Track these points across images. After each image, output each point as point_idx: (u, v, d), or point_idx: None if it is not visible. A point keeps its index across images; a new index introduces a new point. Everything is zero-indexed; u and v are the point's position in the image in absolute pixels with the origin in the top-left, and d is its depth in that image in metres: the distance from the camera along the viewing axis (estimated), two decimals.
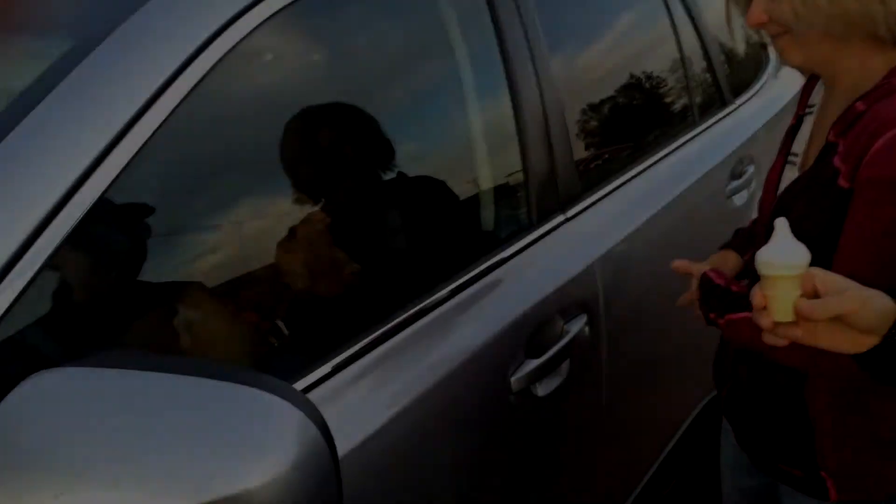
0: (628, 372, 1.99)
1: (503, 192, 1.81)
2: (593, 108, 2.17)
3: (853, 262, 1.14)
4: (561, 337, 1.67)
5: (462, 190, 1.80)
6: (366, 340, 1.37)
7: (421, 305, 1.47)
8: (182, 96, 1.18)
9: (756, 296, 0.99)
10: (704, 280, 1.45)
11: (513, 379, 1.54)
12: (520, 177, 1.78)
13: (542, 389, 1.62)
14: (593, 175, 2.02)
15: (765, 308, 0.98)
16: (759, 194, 2.73)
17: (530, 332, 1.61)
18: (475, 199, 1.80)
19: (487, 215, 1.80)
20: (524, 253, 1.71)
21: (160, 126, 1.15)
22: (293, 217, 1.53)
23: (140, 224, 1.30)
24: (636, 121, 2.36)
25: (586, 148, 2.06)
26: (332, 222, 1.55)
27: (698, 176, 2.32)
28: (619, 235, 1.94)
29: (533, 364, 1.57)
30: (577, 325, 1.71)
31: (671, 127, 2.45)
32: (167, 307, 1.50)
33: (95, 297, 1.20)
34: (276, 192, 1.64)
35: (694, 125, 2.50)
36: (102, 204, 1.09)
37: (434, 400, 1.39)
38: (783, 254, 0.96)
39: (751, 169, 2.60)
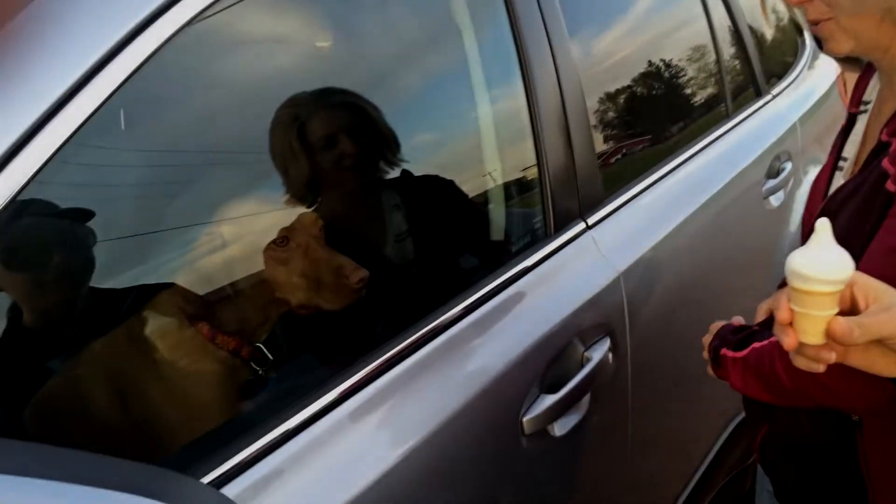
0: (653, 401, 1.75)
1: (516, 196, 1.58)
2: (616, 99, 1.92)
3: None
4: (581, 366, 1.44)
5: (470, 193, 1.56)
6: (359, 375, 1.14)
7: (419, 332, 1.24)
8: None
9: (782, 309, 0.80)
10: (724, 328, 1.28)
11: (525, 419, 1.30)
12: (535, 178, 1.54)
13: (558, 429, 1.38)
14: (616, 176, 1.78)
15: (790, 325, 0.80)
16: (797, 194, 2.51)
17: (546, 363, 1.37)
18: (484, 204, 1.56)
19: (498, 222, 1.56)
20: (540, 267, 1.47)
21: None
22: (279, 223, 1.31)
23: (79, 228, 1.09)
24: (663, 114, 2.11)
25: (608, 145, 1.82)
26: (321, 230, 1.32)
27: (732, 175, 2.06)
28: (646, 245, 1.69)
29: (549, 401, 1.34)
30: (600, 352, 1.47)
31: (702, 120, 2.20)
32: (124, 326, 1.29)
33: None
34: (259, 193, 1.42)
35: (726, 118, 2.25)
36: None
37: (434, 448, 1.17)
38: (821, 264, 0.77)
39: (788, 166, 2.34)
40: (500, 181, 1.56)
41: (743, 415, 2.24)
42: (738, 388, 1.21)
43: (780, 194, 2.30)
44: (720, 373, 1.27)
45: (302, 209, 1.38)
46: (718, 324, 1.31)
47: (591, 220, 1.62)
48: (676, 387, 1.87)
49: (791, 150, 2.40)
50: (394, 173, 1.51)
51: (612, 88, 1.90)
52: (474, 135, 1.56)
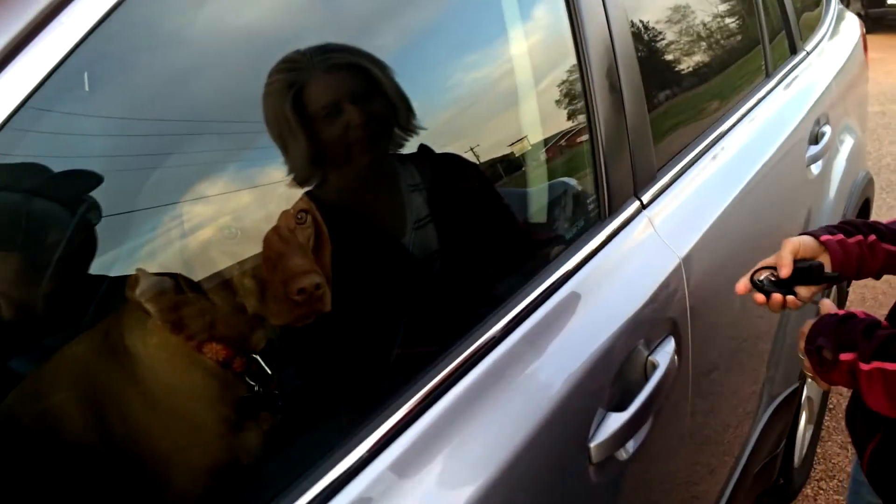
0: (710, 401, 1.53)
1: (564, 173, 1.33)
2: (659, 59, 1.67)
3: None
4: (647, 375, 1.20)
5: (508, 171, 1.31)
6: (395, 416, 0.89)
7: (465, 353, 0.99)
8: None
9: None
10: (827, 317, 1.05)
11: (593, 445, 1.07)
12: (586, 149, 1.29)
13: (625, 451, 1.15)
14: (665, 147, 1.53)
15: None
16: (835, 163, 2.29)
17: (613, 376, 1.14)
18: (525, 184, 1.31)
19: (542, 205, 1.31)
20: (596, 257, 1.22)
21: None
22: (275, 210, 1.05)
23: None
24: (705, 75, 1.86)
25: (655, 111, 1.57)
26: (328, 218, 1.06)
27: (779, 142, 1.83)
28: (703, 224, 1.46)
29: (618, 421, 1.10)
30: (665, 355, 1.23)
31: (742, 80, 1.96)
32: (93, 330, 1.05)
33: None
34: (251, 173, 1.16)
35: (766, 77, 2.01)
36: None
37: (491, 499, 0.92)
38: None
39: (827, 131, 2.12)
40: (543, 155, 1.31)
41: (778, 402, 2.06)
42: (872, 405, 0.99)
43: (821, 163, 2.08)
44: (830, 377, 1.06)
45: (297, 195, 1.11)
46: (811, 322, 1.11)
47: (645, 198, 1.37)
48: (730, 380, 1.65)
49: (829, 113, 2.17)
50: (412, 147, 1.25)
51: (654, 49, 1.65)
52: (513, 101, 1.30)
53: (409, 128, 1.23)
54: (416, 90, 1.22)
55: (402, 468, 0.86)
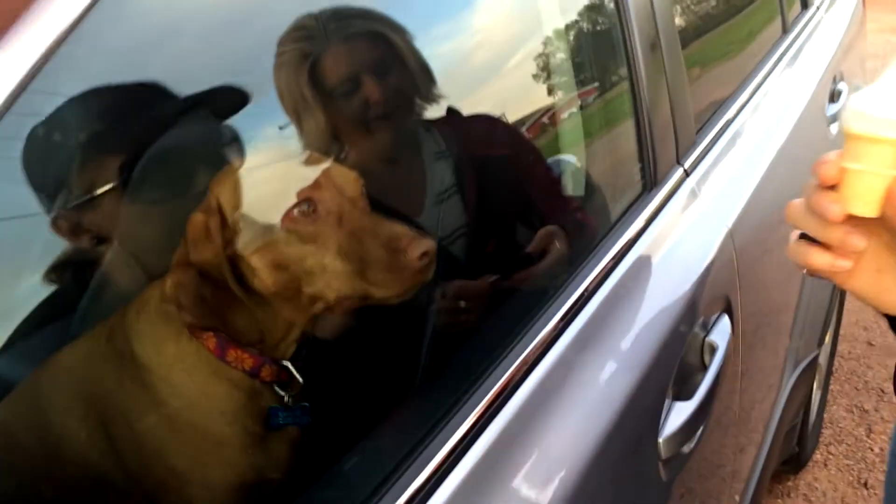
0: (755, 379, 1.43)
1: (607, 140, 1.21)
2: (690, 16, 1.55)
3: None
4: (707, 358, 1.10)
5: (547, 135, 1.19)
6: (457, 433, 0.77)
7: (525, 352, 0.87)
8: None
9: (826, 165, 0.59)
10: None
11: (662, 440, 0.96)
12: (629, 113, 1.17)
13: (689, 443, 1.05)
14: (700, 109, 1.42)
15: (834, 189, 0.60)
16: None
17: (678, 362, 1.03)
18: (563, 151, 1.19)
19: (581, 175, 1.19)
20: (647, 232, 1.11)
21: None
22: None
23: None
24: (729, 31, 1.74)
25: (691, 72, 1.45)
26: (362, 190, 0.93)
27: (805, 103, 1.73)
28: (746, 191, 1.35)
29: (685, 411, 1.00)
30: (723, 335, 1.13)
31: (763, 36, 1.85)
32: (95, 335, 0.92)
33: None
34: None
35: (785, 34, 1.90)
36: None
37: None
38: (894, 101, 0.56)
39: (845, 89, 2.02)
40: (581, 120, 1.19)
41: (800, 370, 1.99)
42: None
43: (836, 125, 1.98)
44: None
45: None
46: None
47: (687, 165, 1.26)
48: (761, 353, 1.56)
49: (843, 70, 2.07)
50: (436, 114, 1.13)
51: (684, 5, 1.53)
52: (550, 67, 1.17)
53: (431, 97, 1.10)
54: (441, 58, 1.10)
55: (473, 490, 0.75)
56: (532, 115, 1.18)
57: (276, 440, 0.96)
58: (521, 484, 0.77)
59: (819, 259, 0.62)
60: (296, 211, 0.85)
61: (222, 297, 0.86)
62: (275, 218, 0.85)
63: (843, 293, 2.37)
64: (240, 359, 0.90)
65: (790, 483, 2.40)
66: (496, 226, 1.16)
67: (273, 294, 0.88)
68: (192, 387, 0.90)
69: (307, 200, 0.86)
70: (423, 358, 0.97)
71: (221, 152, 0.91)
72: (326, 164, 0.90)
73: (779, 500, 2.34)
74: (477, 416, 0.77)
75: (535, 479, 0.79)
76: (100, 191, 0.89)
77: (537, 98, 1.20)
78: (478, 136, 1.16)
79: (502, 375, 0.82)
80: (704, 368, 1.08)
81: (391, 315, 0.93)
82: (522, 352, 0.86)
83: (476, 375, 0.83)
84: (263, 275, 0.86)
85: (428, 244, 0.84)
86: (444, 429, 0.76)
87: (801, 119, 1.66)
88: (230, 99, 0.92)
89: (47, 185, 0.88)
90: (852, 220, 0.59)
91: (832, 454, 2.54)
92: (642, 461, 0.94)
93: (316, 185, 0.87)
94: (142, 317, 0.91)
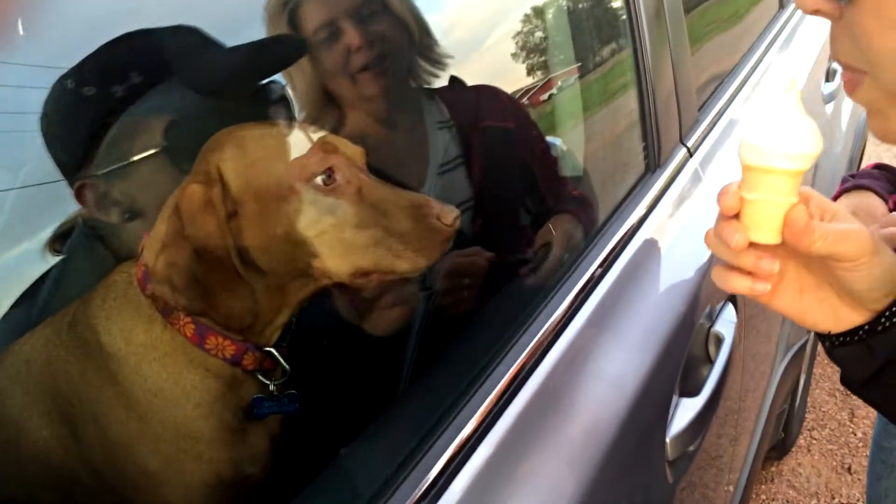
0: (754, 369, 1.37)
1: (610, 116, 1.13)
2: None
3: None
4: (712, 350, 1.03)
5: (545, 115, 1.10)
6: (471, 424, 0.69)
7: (534, 341, 0.79)
8: None
9: (729, 194, 0.61)
10: None
11: (669, 439, 0.89)
12: (632, 87, 1.09)
13: (695, 442, 0.98)
14: (699, 85, 1.34)
15: (737, 218, 0.62)
16: (843, 104, 2.14)
17: (686, 354, 0.96)
18: (563, 131, 1.11)
19: (581, 155, 1.11)
20: (653, 215, 1.04)
21: None
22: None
23: None
24: (723, 9, 1.66)
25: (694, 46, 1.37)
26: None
27: (806, 78, 1.66)
28: None
29: (693, 408, 0.93)
30: (728, 325, 1.07)
31: (760, 15, 1.77)
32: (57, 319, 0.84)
33: None
34: None
35: (782, 10, 1.83)
36: None
37: None
38: (785, 133, 0.59)
39: (839, 67, 1.95)
40: (581, 94, 1.11)
41: (790, 355, 1.94)
42: None
43: (833, 103, 1.92)
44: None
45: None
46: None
47: (690, 143, 1.18)
48: (756, 340, 1.50)
49: None
50: (436, 82, 1.04)
51: None
52: (554, 42, 1.09)
53: (433, 57, 1.02)
54: (442, 20, 1.01)
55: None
56: (529, 88, 1.10)
57: (256, 433, 0.88)
58: (528, 482, 0.70)
59: (738, 284, 0.63)
60: (318, 179, 0.77)
61: (216, 277, 0.76)
62: (283, 187, 0.76)
63: None
64: (220, 346, 0.81)
65: (773, 469, 2.36)
66: (500, 201, 1.08)
67: (278, 273, 0.80)
68: (165, 377, 0.81)
69: (329, 169, 0.77)
70: (417, 346, 0.89)
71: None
72: (322, 134, 0.82)
73: (762, 486, 2.30)
74: (486, 409, 0.70)
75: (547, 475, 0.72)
76: (139, 157, 0.81)
77: (534, 71, 1.11)
78: (483, 107, 1.07)
79: (512, 365, 0.75)
80: (710, 361, 1.01)
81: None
82: (529, 342, 0.78)
83: (483, 364, 0.76)
84: (274, 251, 0.78)
85: (456, 210, 0.78)
86: (450, 427, 0.69)
87: (803, 96, 1.59)
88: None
89: (73, 146, 0.80)
90: (765, 246, 0.61)
91: (815, 439, 2.50)
92: (650, 463, 0.87)
93: (331, 152, 0.79)
94: (108, 303, 0.82)
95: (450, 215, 0.78)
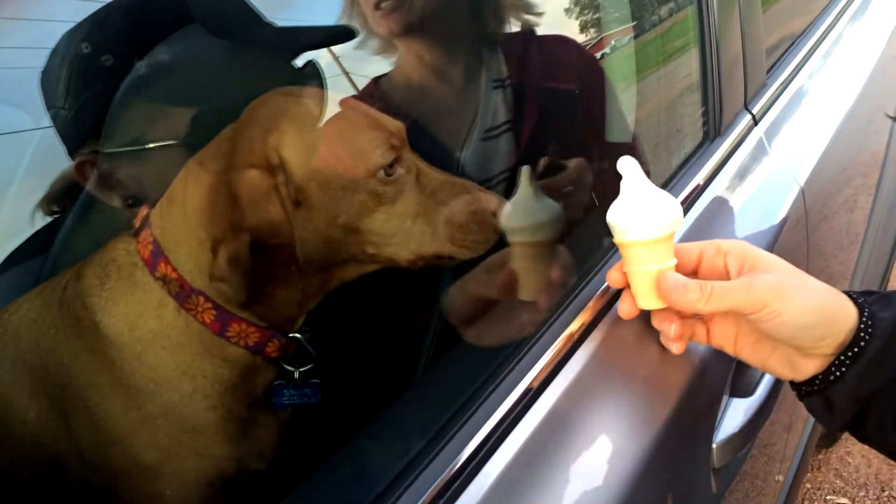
0: None
1: (671, 77, 0.98)
2: None
3: None
4: None
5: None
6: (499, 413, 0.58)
7: (569, 329, 0.67)
8: None
9: (610, 272, 0.65)
10: None
11: (716, 444, 0.76)
12: (696, 49, 0.95)
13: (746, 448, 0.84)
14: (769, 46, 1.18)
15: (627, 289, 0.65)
16: None
17: None
18: (622, 89, 0.97)
19: (629, 118, 0.97)
20: (711, 186, 0.89)
21: None
22: None
23: None
24: None
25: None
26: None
27: (878, 53, 1.47)
28: (820, 143, 1.12)
29: (746, 410, 0.79)
30: None
31: None
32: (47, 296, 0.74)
33: None
34: None
35: None
36: None
37: None
38: (630, 210, 0.61)
39: None
40: (636, 53, 0.96)
41: None
42: None
43: None
44: None
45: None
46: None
47: (755, 110, 1.03)
48: None
49: None
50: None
51: None
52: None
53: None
54: None
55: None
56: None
57: (263, 426, 0.79)
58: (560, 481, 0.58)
59: (664, 341, 0.67)
60: (383, 171, 0.70)
61: (271, 269, 0.70)
62: (349, 177, 0.69)
63: None
64: (243, 333, 0.72)
65: (821, 457, 2.20)
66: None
67: (330, 260, 0.73)
68: (173, 367, 0.72)
69: (397, 159, 0.71)
70: (435, 333, 0.78)
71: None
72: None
73: (808, 475, 2.14)
74: (514, 401, 0.59)
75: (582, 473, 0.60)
76: (154, 145, 0.75)
77: (587, 29, 0.97)
78: (549, 63, 0.94)
79: (546, 349, 0.63)
80: None
81: (409, 280, 0.75)
82: (561, 332, 0.66)
83: (509, 352, 0.64)
84: (333, 240, 0.71)
85: (502, 199, 0.74)
86: (468, 423, 0.57)
87: (874, 71, 1.42)
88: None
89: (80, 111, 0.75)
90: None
91: None
92: (696, 471, 0.73)
93: (394, 136, 0.71)
94: (108, 283, 0.72)
95: (495, 204, 0.73)
